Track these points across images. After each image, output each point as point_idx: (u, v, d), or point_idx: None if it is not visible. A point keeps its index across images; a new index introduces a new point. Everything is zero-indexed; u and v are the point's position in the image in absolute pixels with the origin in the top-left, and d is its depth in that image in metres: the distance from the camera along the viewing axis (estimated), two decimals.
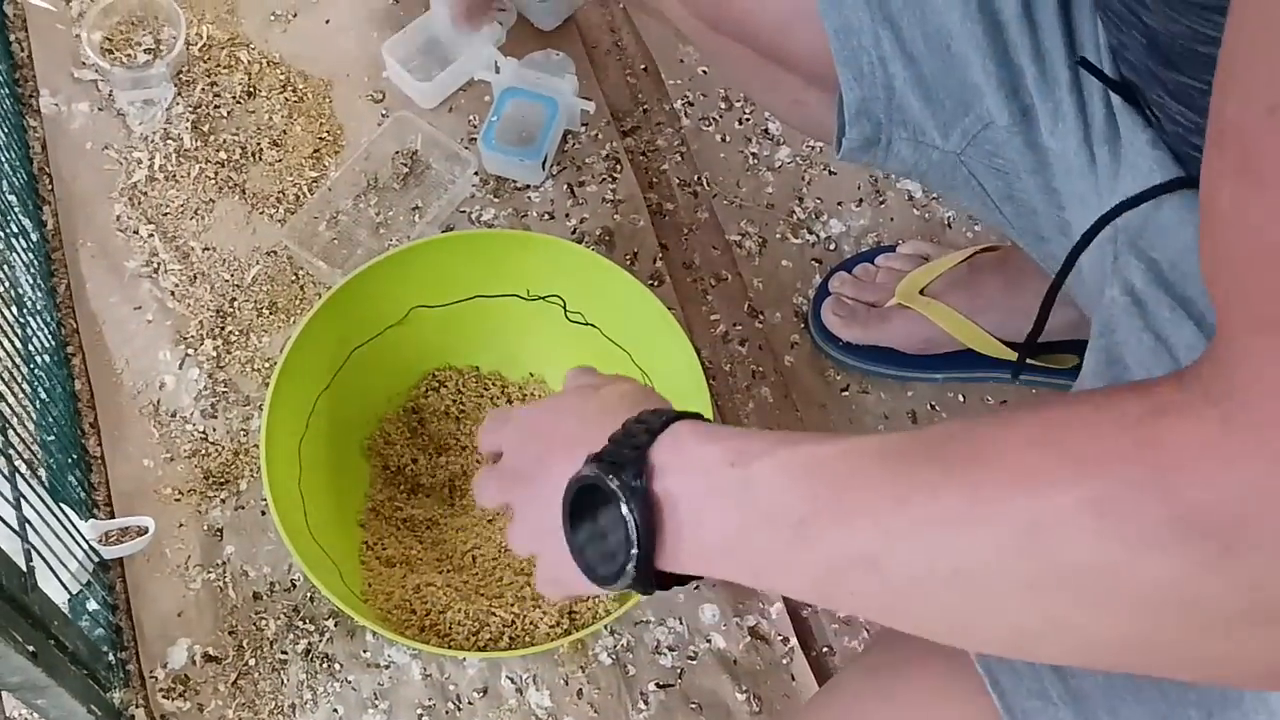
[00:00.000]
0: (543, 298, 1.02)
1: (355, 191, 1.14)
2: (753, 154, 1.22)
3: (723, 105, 1.25)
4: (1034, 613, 0.41)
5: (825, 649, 0.98)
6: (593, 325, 1.01)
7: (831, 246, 1.17)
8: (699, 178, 1.20)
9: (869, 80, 0.70)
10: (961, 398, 1.10)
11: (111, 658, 0.90)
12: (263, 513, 0.99)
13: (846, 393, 1.10)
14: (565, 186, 1.16)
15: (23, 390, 0.91)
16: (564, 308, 1.01)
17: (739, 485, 0.48)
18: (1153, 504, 0.37)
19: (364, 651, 0.94)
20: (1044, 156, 0.70)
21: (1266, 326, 0.35)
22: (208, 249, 1.11)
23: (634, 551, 0.50)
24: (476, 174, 1.15)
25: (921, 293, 1.06)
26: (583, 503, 0.53)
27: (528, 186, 1.15)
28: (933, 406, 1.09)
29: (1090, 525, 0.38)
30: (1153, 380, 0.40)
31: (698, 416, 0.54)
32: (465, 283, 1.01)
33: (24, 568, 0.70)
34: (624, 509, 0.50)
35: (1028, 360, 1.06)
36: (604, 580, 0.53)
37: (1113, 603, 0.39)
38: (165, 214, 1.12)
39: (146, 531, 0.91)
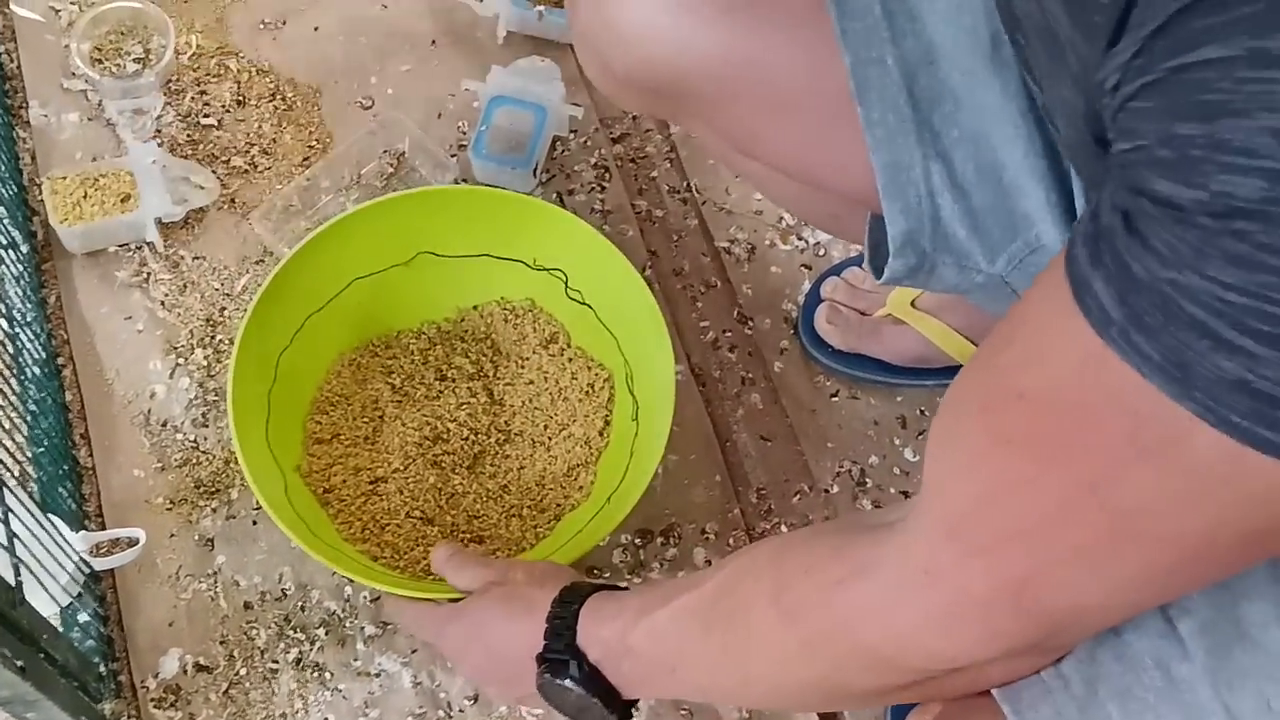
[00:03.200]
0: (547, 269, 1.03)
1: (337, 186, 1.15)
2: None
3: None
4: (799, 696, 0.71)
5: None
6: (589, 306, 1.02)
7: (821, 253, 1.17)
8: (688, 184, 1.20)
9: (915, 212, 0.69)
10: None
11: (103, 669, 0.91)
12: (254, 522, 0.99)
13: (836, 398, 1.10)
14: (555, 195, 1.16)
15: (13, 402, 0.92)
16: (565, 283, 1.02)
17: (629, 655, 0.72)
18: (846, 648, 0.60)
19: (355, 660, 0.95)
20: None
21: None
22: (198, 258, 1.11)
23: (611, 717, 0.75)
24: (456, 182, 1.15)
25: (913, 304, 1.06)
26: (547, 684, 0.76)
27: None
28: (922, 412, 1.09)
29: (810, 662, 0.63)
30: (852, 542, 0.59)
31: (595, 590, 0.76)
32: (476, 239, 1.02)
33: (12, 582, 0.70)
34: (585, 694, 0.73)
35: None
36: None
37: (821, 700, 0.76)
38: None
39: (137, 543, 0.91)
